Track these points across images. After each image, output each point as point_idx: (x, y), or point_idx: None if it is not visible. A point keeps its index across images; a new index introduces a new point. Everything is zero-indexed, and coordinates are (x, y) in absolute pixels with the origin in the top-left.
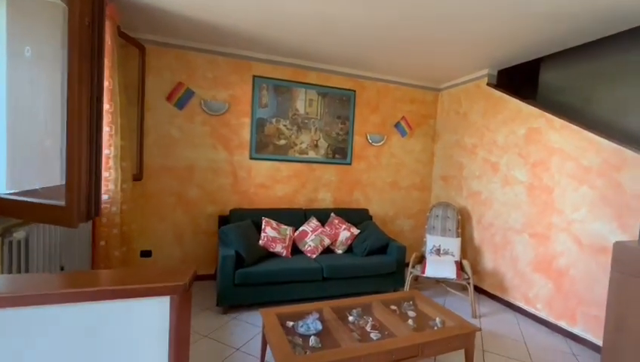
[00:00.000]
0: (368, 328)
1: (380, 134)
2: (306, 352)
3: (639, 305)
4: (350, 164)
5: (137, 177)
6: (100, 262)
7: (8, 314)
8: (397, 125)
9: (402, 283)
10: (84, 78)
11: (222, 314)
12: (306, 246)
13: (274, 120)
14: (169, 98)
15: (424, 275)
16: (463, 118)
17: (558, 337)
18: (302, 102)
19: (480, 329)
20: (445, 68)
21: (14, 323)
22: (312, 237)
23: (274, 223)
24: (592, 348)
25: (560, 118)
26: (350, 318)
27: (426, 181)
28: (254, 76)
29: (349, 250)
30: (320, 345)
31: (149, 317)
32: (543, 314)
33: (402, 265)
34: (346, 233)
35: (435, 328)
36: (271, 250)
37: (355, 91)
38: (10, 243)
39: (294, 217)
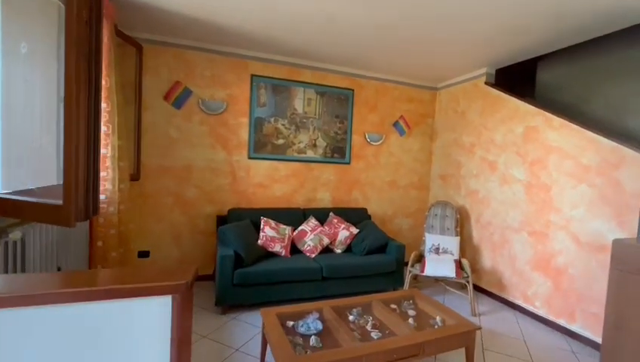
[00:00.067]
0: (369, 327)
1: (379, 133)
2: (306, 352)
3: (638, 302)
4: (349, 163)
5: (135, 177)
6: (97, 263)
7: (8, 314)
8: (395, 124)
9: (401, 282)
10: (82, 76)
11: (220, 314)
12: (305, 246)
13: (272, 119)
14: (166, 97)
15: (423, 274)
16: (461, 116)
17: (557, 335)
18: (300, 102)
19: (480, 328)
20: (444, 67)
21: (15, 322)
22: (311, 236)
23: (273, 223)
24: (592, 346)
25: (558, 116)
26: (350, 318)
27: (424, 180)
28: (252, 75)
29: (348, 249)
30: (321, 345)
31: (150, 317)
32: (542, 312)
33: (401, 264)
34: (345, 232)
35: (436, 327)
36: (270, 249)
37: (353, 90)
38: (6, 243)
39: (293, 217)
